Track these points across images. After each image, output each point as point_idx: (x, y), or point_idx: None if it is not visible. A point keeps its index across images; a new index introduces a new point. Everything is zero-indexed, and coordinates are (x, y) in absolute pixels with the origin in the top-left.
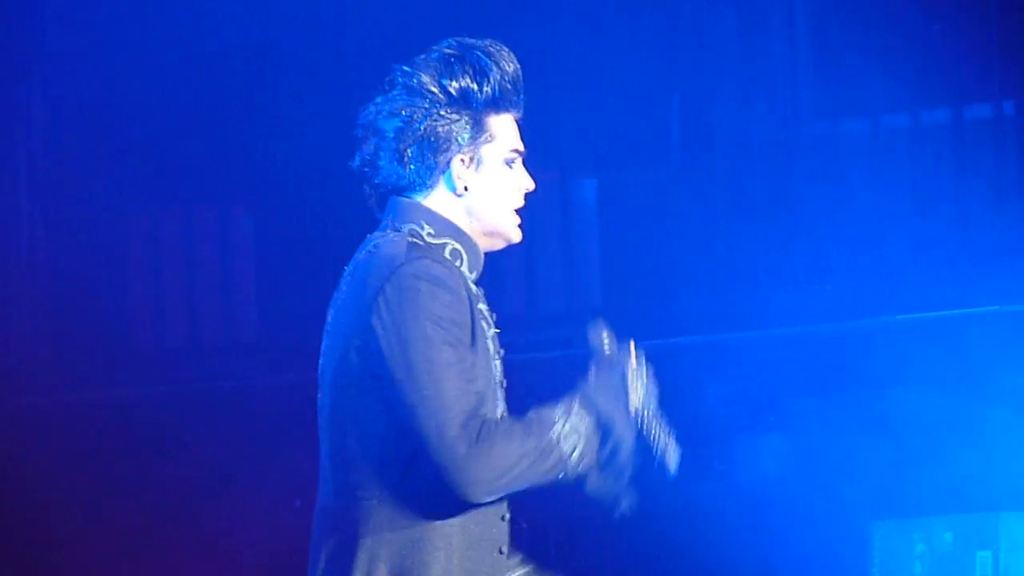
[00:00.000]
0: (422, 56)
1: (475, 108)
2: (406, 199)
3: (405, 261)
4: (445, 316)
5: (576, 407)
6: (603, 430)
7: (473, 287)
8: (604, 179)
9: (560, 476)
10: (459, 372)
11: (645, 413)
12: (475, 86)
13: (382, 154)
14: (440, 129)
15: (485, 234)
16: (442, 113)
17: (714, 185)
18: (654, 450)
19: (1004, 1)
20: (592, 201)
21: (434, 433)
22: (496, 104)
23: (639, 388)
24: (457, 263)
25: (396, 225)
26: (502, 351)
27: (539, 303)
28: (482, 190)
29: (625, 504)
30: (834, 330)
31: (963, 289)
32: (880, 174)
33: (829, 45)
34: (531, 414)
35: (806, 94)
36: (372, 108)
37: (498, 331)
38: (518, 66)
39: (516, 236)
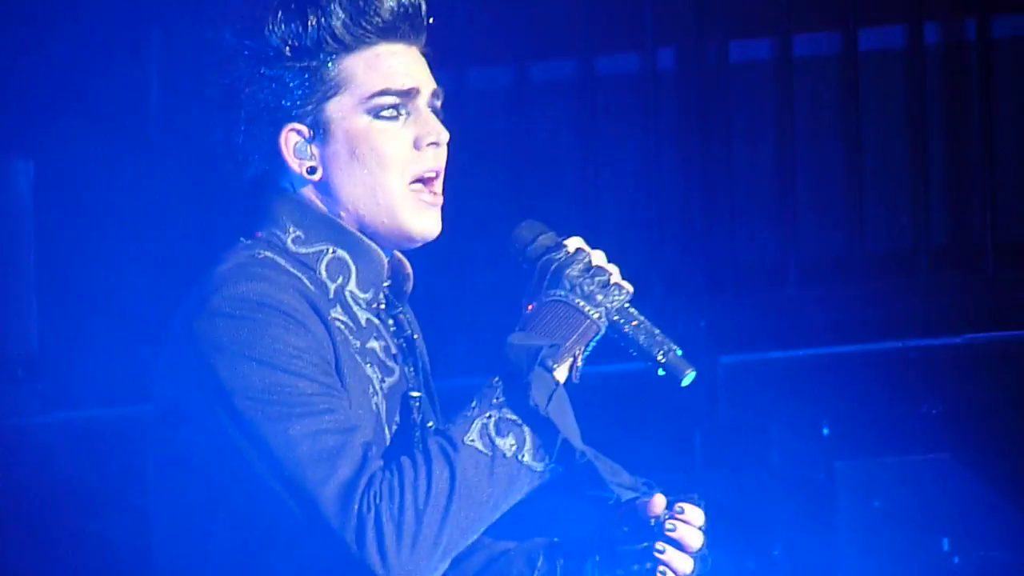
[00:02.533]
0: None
1: (309, 55)
2: (271, 192)
3: (221, 284)
4: (288, 345)
5: (495, 384)
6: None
7: (363, 316)
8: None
9: (527, 484)
10: (321, 418)
11: (622, 319)
12: (299, 25)
13: (219, 134)
14: (260, 96)
15: (373, 231)
16: (264, 71)
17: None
18: (654, 359)
19: None
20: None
21: (311, 523)
22: (343, 39)
23: (598, 288)
24: (338, 280)
25: (252, 229)
26: (419, 418)
27: None
28: (338, 165)
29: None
30: None
31: None
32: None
33: None
34: (441, 427)
35: None
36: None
37: (415, 392)
38: None
39: (420, 225)
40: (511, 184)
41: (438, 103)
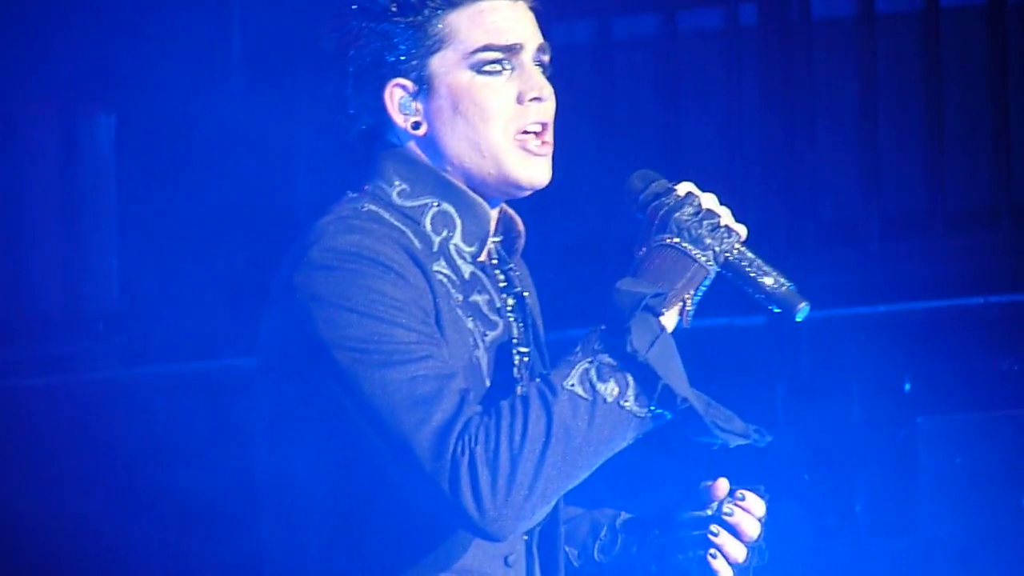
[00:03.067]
0: None
1: (414, 11)
2: (379, 147)
3: (320, 237)
4: (385, 295)
5: (599, 330)
6: (649, 326)
7: (468, 270)
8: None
9: (632, 430)
10: (418, 364)
11: (734, 259)
12: None
13: (330, 90)
14: (367, 51)
15: (481, 182)
16: (371, 27)
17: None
18: (768, 295)
19: None
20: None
21: (406, 469)
22: None
23: (708, 231)
24: (443, 233)
25: (361, 184)
26: (525, 373)
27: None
28: (442, 120)
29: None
30: None
31: None
32: None
33: None
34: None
35: None
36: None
37: (522, 348)
38: None
39: (527, 173)
40: (593, 140)
41: (545, 58)
